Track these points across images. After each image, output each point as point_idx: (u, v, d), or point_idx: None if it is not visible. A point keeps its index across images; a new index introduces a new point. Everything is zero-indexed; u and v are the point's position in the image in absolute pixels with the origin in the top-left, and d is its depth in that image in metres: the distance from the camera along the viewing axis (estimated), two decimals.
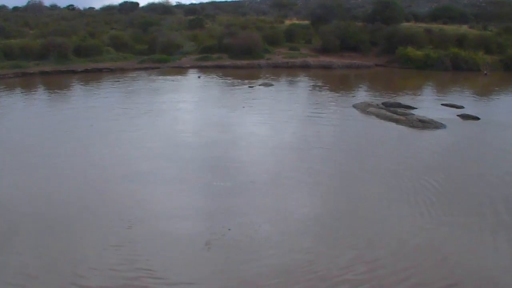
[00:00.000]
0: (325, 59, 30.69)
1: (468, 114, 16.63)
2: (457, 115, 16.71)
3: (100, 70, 27.02)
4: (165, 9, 53.75)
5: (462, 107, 17.96)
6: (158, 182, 10.12)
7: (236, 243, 7.56)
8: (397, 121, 15.61)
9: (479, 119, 16.18)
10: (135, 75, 26.08)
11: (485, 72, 27.73)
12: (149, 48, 31.16)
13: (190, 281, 6.61)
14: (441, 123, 15.19)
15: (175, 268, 6.93)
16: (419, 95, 21.62)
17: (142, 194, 9.45)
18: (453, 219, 8.55)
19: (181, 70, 27.97)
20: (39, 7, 56.39)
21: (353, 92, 22.28)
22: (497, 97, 21.39)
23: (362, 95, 21.18)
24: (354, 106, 18.01)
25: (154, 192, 9.60)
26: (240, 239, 7.68)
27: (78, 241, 7.61)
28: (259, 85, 22.87)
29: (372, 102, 18.37)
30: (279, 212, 8.73)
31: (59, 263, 6.98)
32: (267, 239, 7.73)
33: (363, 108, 17.53)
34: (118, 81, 24.08)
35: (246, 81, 24.10)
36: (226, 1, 73.80)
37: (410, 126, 15.05)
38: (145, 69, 28.02)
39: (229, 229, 7.99)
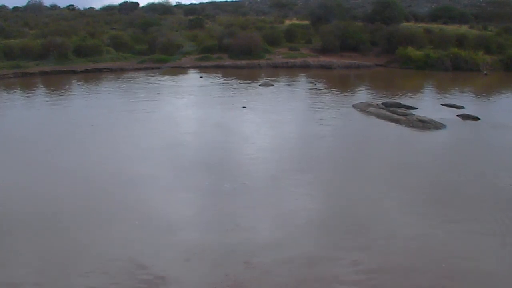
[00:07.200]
0: (325, 59, 30.64)
1: (468, 114, 16.62)
2: (457, 115, 16.70)
3: (100, 70, 26.97)
4: (165, 9, 53.77)
5: (462, 107, 17.95)
6: (158, 182, 10.12)
7: (237, 244, 7.55)
8: (397, 121, 15.61)
9: (479, 119, 16.17)
10: (135, 75, 26.07)
11: (485, 72, 27.71)
12: (149, 48, 31.12)
13: (190, 283, 6.61)
14: (441, 123, 15.18)
15: (175, 270, 6.93)
16: (419, 95, 21.60)
17: (142, 194, 9.45)
18: (453, 219, 8.55)
19: (181, 70, 27.96)
20: (39, 7, 56.44)
21: (353, 92, 22.27)
22: (497, 97, 21.40)
23: (362, 95, 21.17)
24: (354, 106, 18.00)
25: (154, 192, 9.59)
26: (241, 241, 7.68)
27: (76, 241, 7.60)
28: (259, 85, 22.86)
29: (372, 102, 18.36)
30: (280, 213, 8.73)
31: (58, 263, 6.98)
32: (268, 240, 7.72)
33: (363, 108, 17.52)
34: (118, 81, 24.07)
35: (246, 81, 24.10)
36: (226, 1, 73.77)
37: (410, 126, 15.04)
38: (145, 69, 27.99)
39: (228, 230, 7.99)
